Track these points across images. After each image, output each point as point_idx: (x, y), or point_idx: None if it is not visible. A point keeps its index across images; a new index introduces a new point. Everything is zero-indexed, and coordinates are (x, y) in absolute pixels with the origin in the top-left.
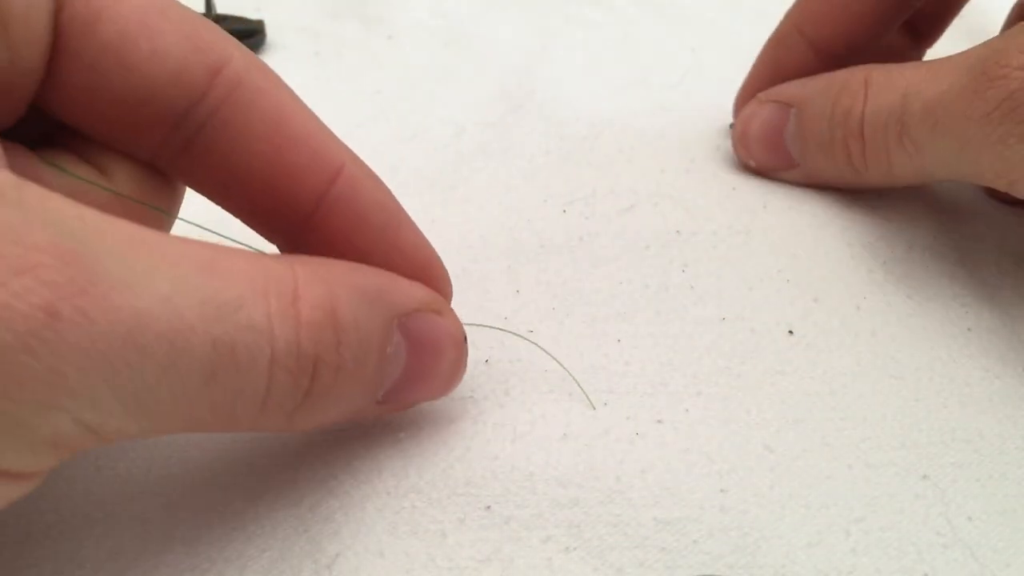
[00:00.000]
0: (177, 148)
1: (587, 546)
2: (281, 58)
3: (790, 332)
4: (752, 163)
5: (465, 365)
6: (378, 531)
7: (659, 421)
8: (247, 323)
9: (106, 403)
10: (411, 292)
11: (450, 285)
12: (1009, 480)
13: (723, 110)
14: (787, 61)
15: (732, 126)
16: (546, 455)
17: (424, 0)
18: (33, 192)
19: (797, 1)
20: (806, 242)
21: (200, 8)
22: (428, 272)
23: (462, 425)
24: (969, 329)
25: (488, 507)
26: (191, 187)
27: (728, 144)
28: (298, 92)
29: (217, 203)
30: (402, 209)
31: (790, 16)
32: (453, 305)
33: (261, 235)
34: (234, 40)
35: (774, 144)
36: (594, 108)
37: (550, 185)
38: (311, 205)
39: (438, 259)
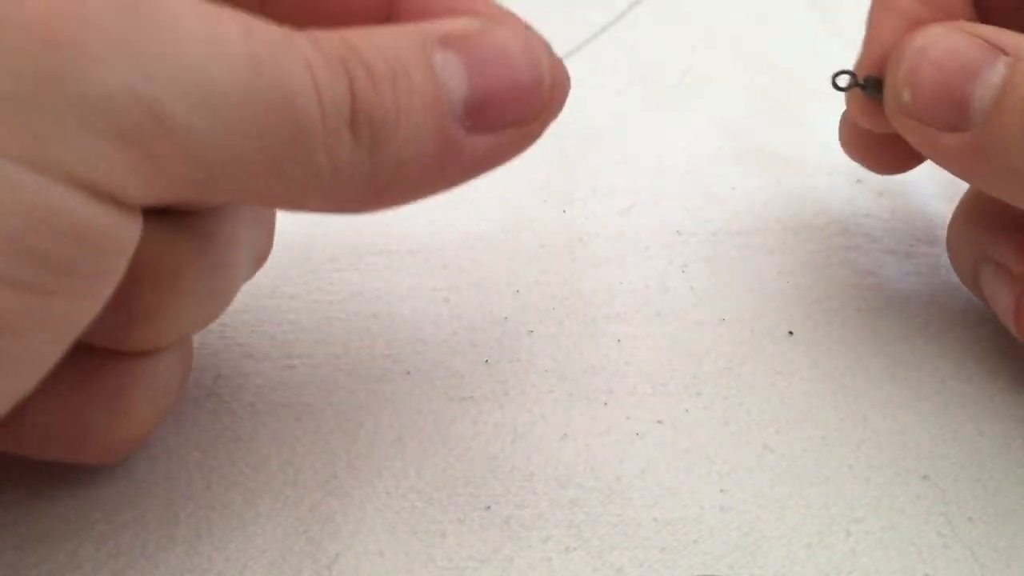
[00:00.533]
0: None
1: (587, 546)
2: None
3: (790, 333)
4: (906, 96)
5: (560, 67)
6: (378, 531)
7: (659, 421)
8: (274, 38)
9: (159, 77)
10: (451, 22)
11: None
12: (1010, 480)
13: (723, 110)
14: None
15: (841, 79)
16: (546, 455)
17: None
18: None
19: None
20: (806, 242)
21: None
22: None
23: (462, 425)
24: (970, 328)
25: (488, 507)
26: None
27: (729, 144)
28: None
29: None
30: None
31: None
32: (452, 302)
33: None
34: None
35: (954, 91)
36: (594, 108)
37: (550, 185)
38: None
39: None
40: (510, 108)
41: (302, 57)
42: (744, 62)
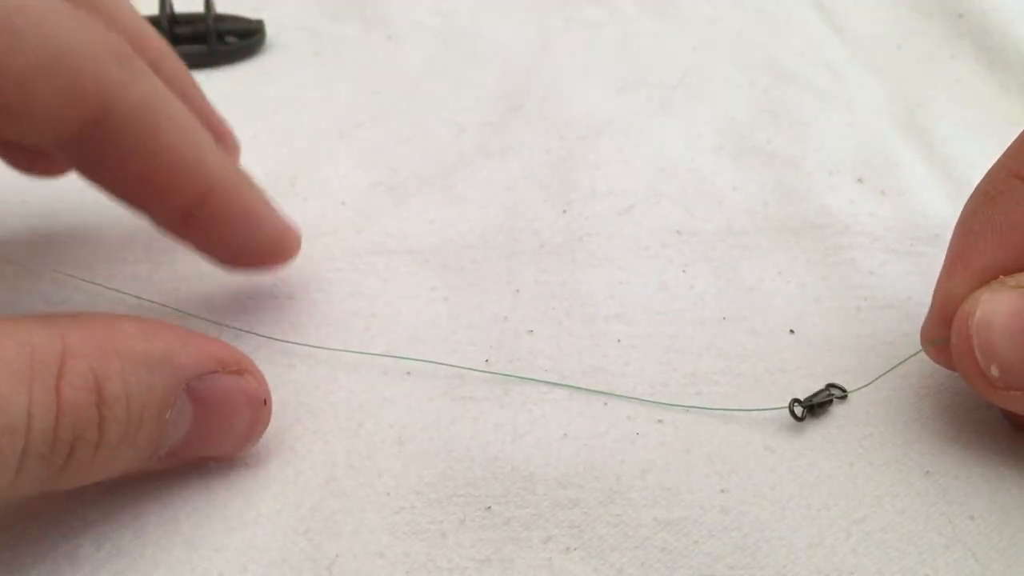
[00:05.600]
0: (76, 152)
1: (587, 546)
2: (281, 58)
3: (791, 332)
4: (994, 372)
5: (265, 425)
6: (378, 532)
7: (659, 421)
8: (4, 425)
9: None
10: (205, 353)
11: (296, 250)
12: (1011, 477)
13: (723, 110)
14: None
15: (797, 409)
16: (546, 455)
17: (424, 0)
18: None
19: (1015, 145)
20: (806, 242)
21: (199, 8)
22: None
23: (462, 426)
24: None
25: (488, 508)
26: (96, 182)
27: (729, 144)
28: (298, 92)
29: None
30: (270, 210)
31: (1006, 165)
32: (452, 302)
33: (156, 226)
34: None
35: None
36: (594, 108)
37: (550, 185)
38: (183, 214)
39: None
40: (208, 455)
41: (23, 427)
42: (744, 62)
